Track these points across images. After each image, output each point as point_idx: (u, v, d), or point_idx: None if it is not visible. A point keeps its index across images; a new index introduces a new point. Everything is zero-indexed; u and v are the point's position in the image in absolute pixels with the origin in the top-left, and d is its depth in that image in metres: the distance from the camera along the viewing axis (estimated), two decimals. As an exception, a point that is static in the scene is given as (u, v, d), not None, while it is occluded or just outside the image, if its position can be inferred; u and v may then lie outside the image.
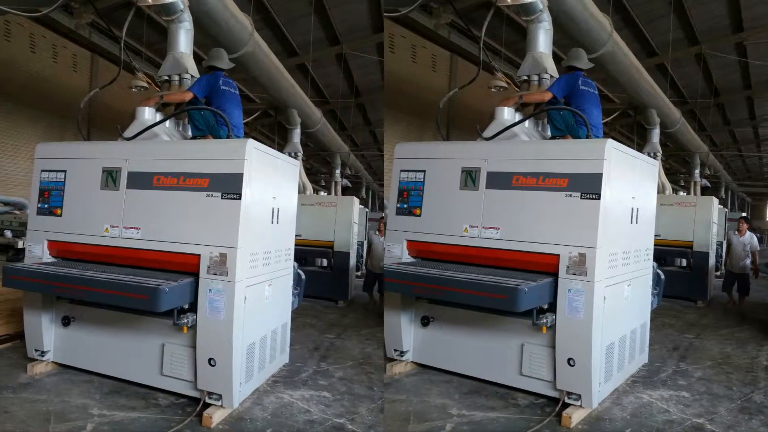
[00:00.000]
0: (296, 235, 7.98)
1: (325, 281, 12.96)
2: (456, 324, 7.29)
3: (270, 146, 7.70)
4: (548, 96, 7.48)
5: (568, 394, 6.41)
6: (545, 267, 6.45)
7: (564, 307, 6.31)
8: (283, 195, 7.29)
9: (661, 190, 12.97)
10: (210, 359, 6.20)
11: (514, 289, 5.98)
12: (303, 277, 8.47)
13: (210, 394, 6.26)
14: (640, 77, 12.75)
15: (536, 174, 6.58)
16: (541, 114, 7.58)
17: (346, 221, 13.56)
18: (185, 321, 6.16)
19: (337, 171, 17.80)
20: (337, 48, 16.57)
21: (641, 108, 14.44)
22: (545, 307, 6.41)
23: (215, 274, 6.11)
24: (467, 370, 7.23)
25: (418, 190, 7.40)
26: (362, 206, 17.37)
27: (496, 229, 6.78)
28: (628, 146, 7.38)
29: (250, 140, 6.38)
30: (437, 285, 6.57)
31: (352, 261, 13.62)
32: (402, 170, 7.58)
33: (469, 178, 7.00)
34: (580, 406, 6.32)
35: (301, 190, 13.08)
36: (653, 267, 8.11)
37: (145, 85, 12.05)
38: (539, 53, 7.72)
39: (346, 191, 18.81)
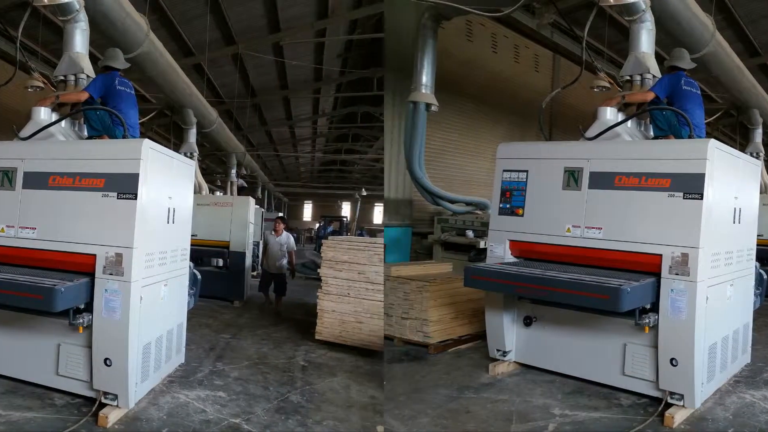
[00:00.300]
0: (192, 235, 8.07)
1: (221, 281, 13.04)
2: (558, 324, 7.35)
3: (166, 146, 7.83)
4: (651, 96, 7.46)
5: (671, 394, 6.42)
6: (647, 267, 6.48)
7: (666, 307, 6.33)
8: (178, 195, 7.37)
9: (763, 190, 12.71)
10: (106, 359, 6.20)
11: (617, 289, 6.03)
12: (199, 277, 8.54)
13: (106, 394, 6.26)
14: (742, 77, 12.50)
15: (639, 174, 6.62)
16: (644, 114, 7.58)
17: (242, 221, 13.71)
18: (81, 321, 6.13)
19: (233, 171, 17.91)
20: (233, 48, 16.44)
21: (744, 108, 14.16)
22: (647, 307, 6.43)
23: (111, 274, 6.12)
24: (570, 370, 7.29)
25: (520, 190, 7.47)
26: (258, 206, 17.62)
27: (599, 229, 6.84)
28: (731, 146, 7.33)
29: (146, 140, 6.46)
30: (539, 285, 6.66)
31: (248, 261, 13.77)
32: (504, 170, 7.67)
33: (572, 178, 7.07)
34: (683, 406, 6.33)
35: (197, 190, 13.05)
36: (756, 267, 8.03)
37: (41, 85, 11.63)
38: (642, 53, 7.70)
39: (241, 191, 18.90)
